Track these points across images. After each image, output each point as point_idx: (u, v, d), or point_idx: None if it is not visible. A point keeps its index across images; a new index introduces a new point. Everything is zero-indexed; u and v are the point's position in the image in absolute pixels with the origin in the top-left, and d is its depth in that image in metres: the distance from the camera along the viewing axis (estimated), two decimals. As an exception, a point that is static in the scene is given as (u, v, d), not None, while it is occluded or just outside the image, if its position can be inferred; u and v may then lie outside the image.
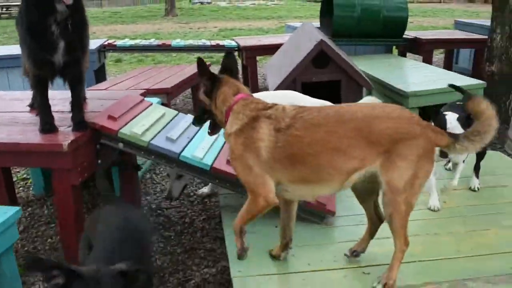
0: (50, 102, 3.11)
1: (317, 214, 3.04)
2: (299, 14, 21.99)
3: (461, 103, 3.24)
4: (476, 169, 3.56)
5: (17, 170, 4.99)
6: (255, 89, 7.47)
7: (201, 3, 29.73)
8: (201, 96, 2.49)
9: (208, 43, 7.66)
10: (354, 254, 2.68)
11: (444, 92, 5.39)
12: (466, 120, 2.86)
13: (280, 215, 2.63)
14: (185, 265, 3.36)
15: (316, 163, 2.29)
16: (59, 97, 3.48)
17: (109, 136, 3.04)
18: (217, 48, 7.44)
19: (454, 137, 2.37)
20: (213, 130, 2.60)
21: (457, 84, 5.45)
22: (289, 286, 2.46)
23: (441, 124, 2.90)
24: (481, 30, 8.24)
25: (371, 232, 2.68)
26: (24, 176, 4.94)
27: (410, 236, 2.47)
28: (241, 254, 2.51)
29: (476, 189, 3.50)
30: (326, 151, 2.27)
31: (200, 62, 2.41)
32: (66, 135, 2.95)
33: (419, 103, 5.32)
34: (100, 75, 7.08)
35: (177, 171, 3.47)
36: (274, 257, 2.70)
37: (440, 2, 30.96)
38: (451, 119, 3.01)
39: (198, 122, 2.62)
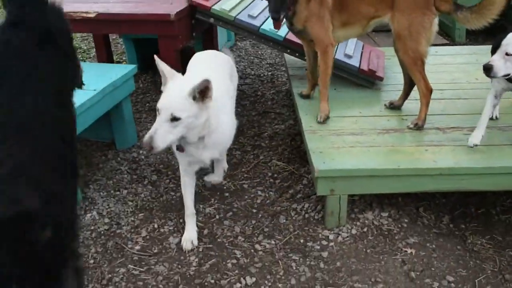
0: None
1: (368, 80, 3.76)
2: None
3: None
4: None
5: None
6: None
7: None
8: None
9: None
10: (391, 106, 3.43)
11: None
12: None
13: (307, 62, 3.57)
14: (259, 123, 4.18)
15: (352, 8, 3.13)
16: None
17: (203, 12, 3.79)
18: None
19: (457, 6, 3.03)
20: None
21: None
22: (343, 123, 3.22)
23: (499, 39, 2.68)
24: None
25: (406, 92, 3.41)
26: (118, 60, 5.80)
27: (442, 99, 3.18)
28: (326, 117, 3.27)
29: None
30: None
31: None
32: (172, 8, 3.73)
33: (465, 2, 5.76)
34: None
35: None
36: (304, 97, 3.59)
37: None
38: (510, 37, 2.64)
39: (282, 9, 3.01)
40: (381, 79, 3.76)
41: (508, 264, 2.65)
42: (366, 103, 3.54)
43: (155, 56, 2.47)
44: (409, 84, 3.35)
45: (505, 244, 2.80)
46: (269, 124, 4.15)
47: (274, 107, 4.44)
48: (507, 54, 2.59)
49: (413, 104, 3.42)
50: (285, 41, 3.75)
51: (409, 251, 2.72)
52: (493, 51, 2.66)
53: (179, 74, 2.51)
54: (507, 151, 2.87)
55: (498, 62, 2.61)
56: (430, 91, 3.15)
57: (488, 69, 2.63)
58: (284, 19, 3.15)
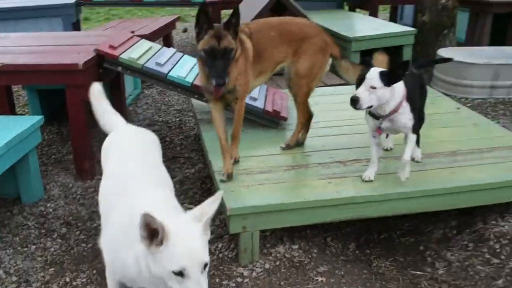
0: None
1: (273, 120, 3.96)
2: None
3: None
4: None
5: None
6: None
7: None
8: (231, 43, 2.88)
9: (176, -2, 8.45)
10: (288, 147, 3.61)
11: (383, 37, 6.38)
12: (387, 75, 2.76)
13: (219, 130, 3.25)
14: (169, 168, 4.15)
15: (267, 56, 3.25)
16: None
17: (111, 61, 3.85)
18: (185, 3, 8.24)
19: (344, 55, 3.46)
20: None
21: (392, 31, 6.49)
22: (252, 163, 3.35)
23: (363, 72, 2.81)
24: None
25: (306, 128, 3.64)
26: (20, 112, 5.65)
27: (342, 134, 3.53)
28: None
29: None
30: (271, 47, 3.24)
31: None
32: (79, 58, 3.77)
33: (360, 46, 6.29)
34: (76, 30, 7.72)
35: None
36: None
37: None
38: (374, 71, 2.78)
39: (225, 74, 2.88)
40: (285, 119, 3.97)
41: (410, 281, 2.86)
42: (273, 142, 3.70)
43: (143, 213, 1.74)
44: (307, 119, 3.60)
45: (406, 264, 3.02)
46: (179, 169, 4.21)
47: (183, 152, 4.52)
48: (371, 87, 2.74)
49: (314, 141, 3.67)
50: (192, 86, 3.88)
51: (320, 279, 2.86)
52: (358, 84, 2.81)
53: (174, 219, 1.88)
54: (400, 179, 3.12)
55: (363, 94, 2.75)
56: (306, 118, 3.55)
57: (355, 101, 2.77)
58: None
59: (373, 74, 2.75)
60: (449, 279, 2.87)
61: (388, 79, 2.75)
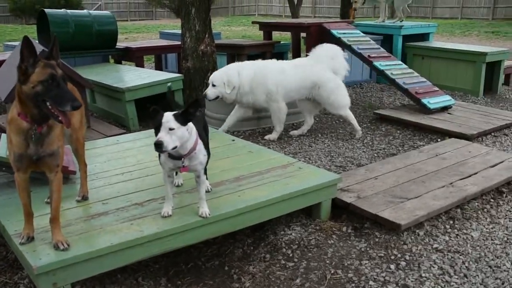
0: None
1: (64, 176, 3.91)
2: (12, 37, 21.26)
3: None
4: None
5: None
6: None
7: None
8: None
9: None
10: (84, 198, 3.66)
11: (154, 85, 6.74)
12: (181, 116, 3.01)
13: (26, 203, 3.06)
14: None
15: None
16: None
17: None
18: None
19: None
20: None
21: (162, 78, 6.92)
22: (47, 220, 3.26)
23: (158, 120, 2.99)
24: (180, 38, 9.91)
25: (85, 176, 3.71)
26: None
27: (133, 179, 3.56)
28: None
29: None
30: None
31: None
32: None
33: (134, 96, 6.54)
34: None
35: None
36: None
37: (153, 19, 33.07)
38: (168, 115, 3.00)
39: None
40: (74, 173, 3.97)
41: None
42: (65, 197, 3.63)
43: None
44: (84, 170, 3.70)
45: (216, 285, 3.27)
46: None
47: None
48: (170, 129, 2.96)
49: (109, 188, 3.77)
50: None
51: (139, 317, 2.95)
52: (157, 130, 3.01)
53: None
54: (195, 209, 3.40)
55: (165, 137, 2.95)
56: (86, 166, 3.69)
57: (159, 145, 2.95)
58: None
59: (168, 118, 2.98)
60: (255, 288, 3.22)
61: (182, 119, 3.00)
